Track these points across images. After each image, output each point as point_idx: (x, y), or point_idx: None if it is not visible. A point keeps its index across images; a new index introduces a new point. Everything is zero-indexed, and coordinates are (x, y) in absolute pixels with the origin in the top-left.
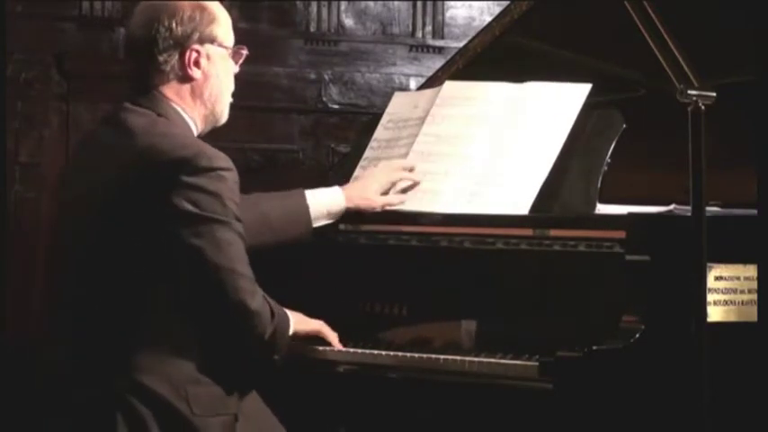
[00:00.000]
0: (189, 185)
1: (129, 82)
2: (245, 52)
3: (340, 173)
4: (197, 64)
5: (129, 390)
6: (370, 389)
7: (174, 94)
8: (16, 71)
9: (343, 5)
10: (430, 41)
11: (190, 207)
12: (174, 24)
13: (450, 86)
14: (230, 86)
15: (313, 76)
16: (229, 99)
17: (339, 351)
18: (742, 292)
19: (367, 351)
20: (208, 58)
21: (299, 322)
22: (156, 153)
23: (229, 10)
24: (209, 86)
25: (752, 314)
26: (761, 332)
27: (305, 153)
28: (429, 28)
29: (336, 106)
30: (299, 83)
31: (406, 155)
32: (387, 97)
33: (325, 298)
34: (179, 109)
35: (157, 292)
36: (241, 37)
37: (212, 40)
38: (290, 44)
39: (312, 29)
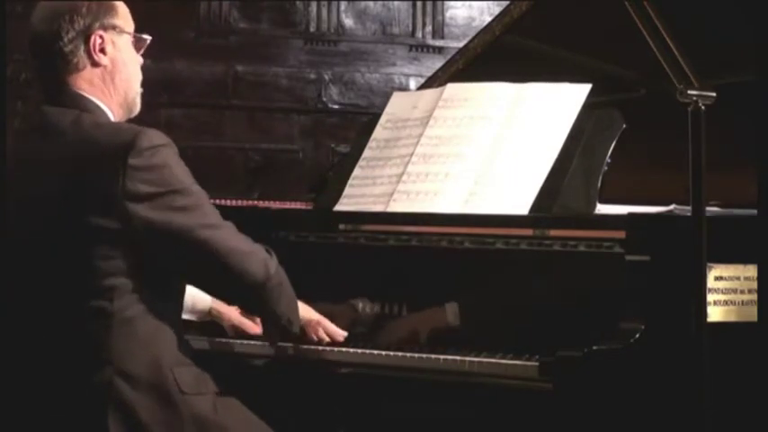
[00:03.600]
0: (138, 167)
1: (39, 82)
2: (147, 37)
3: (339, 172)
4: (103, 51)
5: (116, 378)
6: (370, 389)
7: (87, 84)
8: (16, 71)
9: (343, 5)
10: (430, 41)
11: (145, 187)
12: (75, 17)
13: (451, 88)
14: (138, 74)
15: (313, 76)
16: (139, 88)
17: (339, 351)
18: (742, 292)
19: (366, 351)
20: (113, 44)
21: (304, 309)
22: (96, 144)
23: (229, 10)
24: (118, 72)
25: (752, 314)
26: (761, 332)
27: (305, 153)
28: (429, 28)
29: (336, 106)
30: (299, 83)
31: (405, 155)
32: (387, 97)
33: (326, 298)
34: (95, 99)
35: (130, 278)
36: (241, 37)
37: (113, 28)
38: (290, 44)
39: (312, 29)
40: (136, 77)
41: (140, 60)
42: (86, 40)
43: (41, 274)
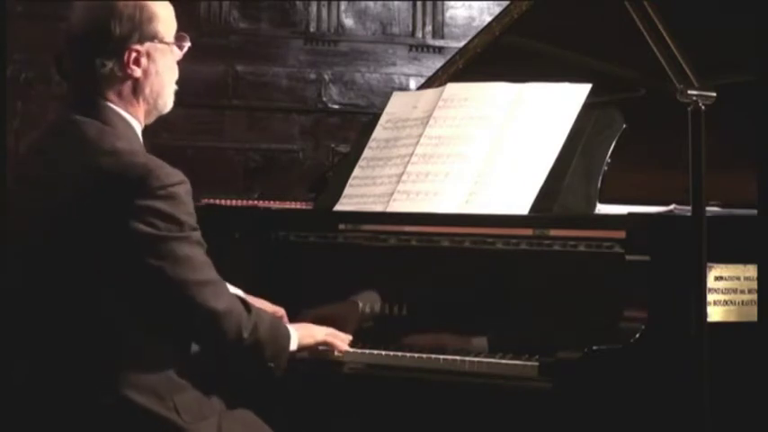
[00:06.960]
0: (143, 209)
1: (68, 82)
2: (187, 43)
3: (339, 172)
4: (137, 62)
5: (116, 406)
6: (371, 389)
7: (115, 95)
8: (16, 71)
9: (343, 5)
10: (430, 41)
11: (147, 229)
12: (113, 26)
13: (451, 88)
14: (173, 77)
15: (313, 76)
16: (173, 88)
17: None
18: (742, 292)
19: (367, 351)
20: (148, 56)
21: (305, 336)
22: (107, 175)
23: (229, 10)
24: (149, 84)
25: (752, 314)
26: (761, 332)
27: (305, 153)
28: (429, 28)
29: (336, 106)
30: (299, 83)
31: (405, 155)
32: (387, 97)
33: (326, 298)
34: (121, 111)
35: (126, 309)
36: (241, 37)
37: (152, 38)
38: (290, 44)
39: (312, 29)
40: (170, 82)
41: (179, 56)
42: (121, 55)
43: (48, 291)
